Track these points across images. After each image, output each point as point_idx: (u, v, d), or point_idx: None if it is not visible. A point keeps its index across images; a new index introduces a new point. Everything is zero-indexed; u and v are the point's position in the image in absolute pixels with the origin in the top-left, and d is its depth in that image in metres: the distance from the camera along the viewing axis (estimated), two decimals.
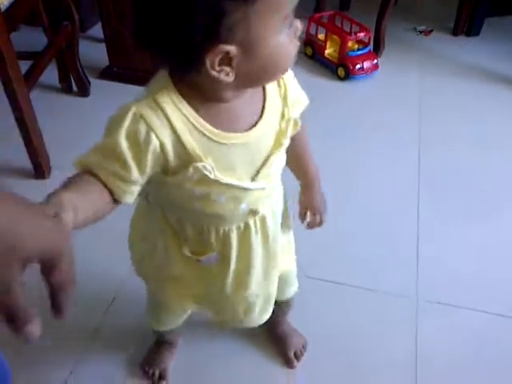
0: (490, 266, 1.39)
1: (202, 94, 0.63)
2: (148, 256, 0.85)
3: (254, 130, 0.68)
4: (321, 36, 2.23)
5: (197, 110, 0.62)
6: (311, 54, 2.28)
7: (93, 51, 2.16)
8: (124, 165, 0.59)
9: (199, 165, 0.63)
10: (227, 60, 0.57)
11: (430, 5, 2.80)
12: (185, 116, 0.62)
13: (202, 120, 0.63)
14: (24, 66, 1.52)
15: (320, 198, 0.89)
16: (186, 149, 0.63)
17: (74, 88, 2.00)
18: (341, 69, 2.13)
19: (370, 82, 2.13)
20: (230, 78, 0.59)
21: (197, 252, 0.79)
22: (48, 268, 0.39)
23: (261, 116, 0.69)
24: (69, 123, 1.84)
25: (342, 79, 2.14)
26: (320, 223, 0.87)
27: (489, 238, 1.46)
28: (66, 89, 2.01)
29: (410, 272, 1.36)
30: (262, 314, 0.92)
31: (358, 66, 2.10)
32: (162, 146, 0.61)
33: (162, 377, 1.13)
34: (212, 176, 0.65)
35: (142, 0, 0.56)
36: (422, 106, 2.00)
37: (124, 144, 0.59)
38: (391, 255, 1.40)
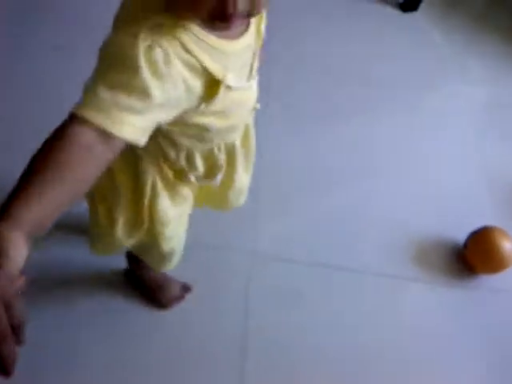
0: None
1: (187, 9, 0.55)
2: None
3: (250, 31, 0.64)
4: None
5: (198, 25, 0.56)
6: None
7: None
8: (144, 94, 0.51)
9: (227, 82, 0.60)
10: None
11: None
12: (193, 34, 0.55)
13: (209, 34, 0.57)
14: None
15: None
16: (207, 68, 0.57)
17: None
18: None
19: None
20: None
21: (205, 177, 0.79)
22: None
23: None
24: None
25: None
26: None
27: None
28: None
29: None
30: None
31: None
32: (182, 71, 0.55)
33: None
34: (236, 86, 0.62)
35: None
36: None
37: (145, 71, 0.51)
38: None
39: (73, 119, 0.49)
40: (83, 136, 0.48)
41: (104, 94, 0.50)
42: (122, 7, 0.60)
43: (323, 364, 1.15)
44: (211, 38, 0.57)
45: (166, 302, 1.13)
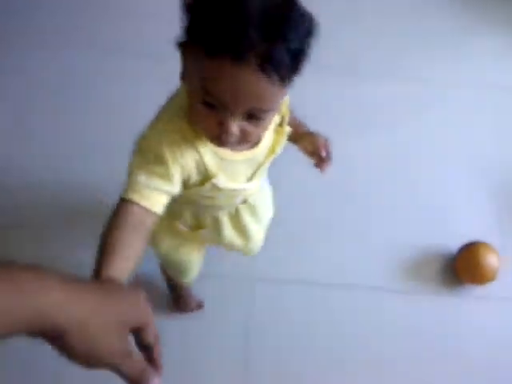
0: None
1: None
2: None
3: (259, 146, 0.80)
4: None
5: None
6: None
7: None
8: (168, 179, 0.71)
9: (214, 181, 0.78)
10: None
11: None
12: (203, 140, 0.74)
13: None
14: None
15: (318, 135, 0.95)
16: (207, 168, 0.76)
17: None
18: None
19: None
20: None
21: (191, 227, 0.98)
22: (141, 331, 0.52)
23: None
24: None
25: None
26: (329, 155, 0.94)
27: None
28: None
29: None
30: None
31: None
32: (187, 166, 0.73)
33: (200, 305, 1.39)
34: (223, 186, 0.79)
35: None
36: None
37: (170, 162, 0.71)
38: None
39: (124, 201, 0.69)
40: (135, 213, 0.68)
41: (142, 180, 0.70)
42: (164, 106, 0.78)
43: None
44: (219, 149, 0.76)
45: (184, 309, 1.39)
